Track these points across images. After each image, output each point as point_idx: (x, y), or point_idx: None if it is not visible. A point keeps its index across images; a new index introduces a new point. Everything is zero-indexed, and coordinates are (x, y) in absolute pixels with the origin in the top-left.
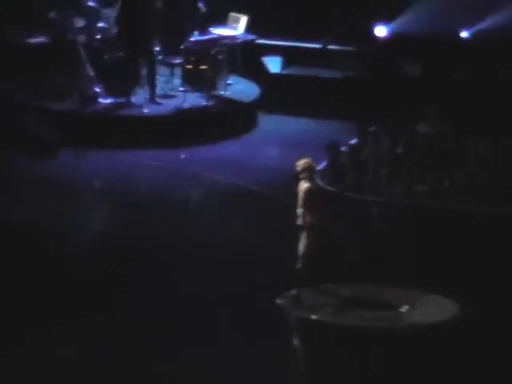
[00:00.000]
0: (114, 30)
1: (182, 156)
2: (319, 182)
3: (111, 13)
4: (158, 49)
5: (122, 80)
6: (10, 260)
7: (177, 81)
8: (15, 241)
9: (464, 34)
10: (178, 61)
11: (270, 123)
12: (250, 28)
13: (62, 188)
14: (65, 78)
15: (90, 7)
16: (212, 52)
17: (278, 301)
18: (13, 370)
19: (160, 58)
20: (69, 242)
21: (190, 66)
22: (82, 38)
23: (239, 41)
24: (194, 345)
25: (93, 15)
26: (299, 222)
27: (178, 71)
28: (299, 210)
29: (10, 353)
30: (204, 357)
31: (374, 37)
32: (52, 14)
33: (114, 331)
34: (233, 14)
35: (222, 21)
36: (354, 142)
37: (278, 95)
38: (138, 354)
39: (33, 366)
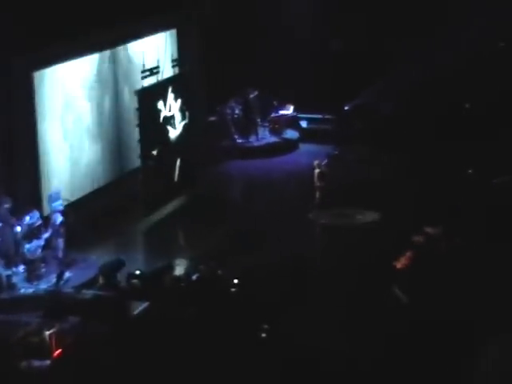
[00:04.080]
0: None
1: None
2: (323, 168)
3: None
4: (259, 120)
5: (245, 132)
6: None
7: (266, 132)
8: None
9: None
10: (266, 124)
11: (303, 148)
12: (294, 110)
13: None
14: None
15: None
16: (280, 120)
17: (310, 215)
18: None
19: (260, 123)
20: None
21: (271, 126)
22: (230, 116)
23: (291, 115)
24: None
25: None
26: (316, 183)
27: (266, 128)
28: (315, 179)
29: None
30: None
31: (343, 109)
32: (218, 108)
33: None
34: (288, 105)
35: (283, 106)
36: (333, 154)
37: (306, 136)
38: None
39: None
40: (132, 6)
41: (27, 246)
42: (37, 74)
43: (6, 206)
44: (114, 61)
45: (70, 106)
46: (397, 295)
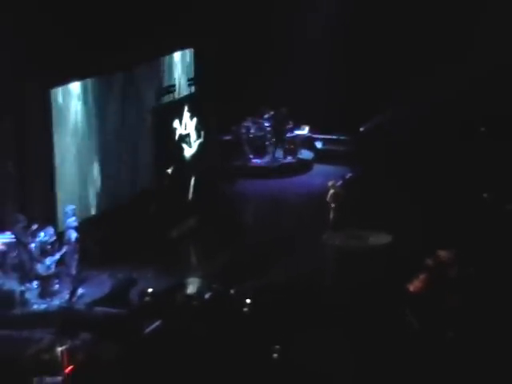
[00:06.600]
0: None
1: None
2: (337, 189)
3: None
4: (274, 139)
5: (260, 153)
6: None
7: (281, 152)
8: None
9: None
10: (281, 145)
11: (317, 168)
12: (309, 131)
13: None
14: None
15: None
16: (295, 140)
17: (323, 236)
18: None
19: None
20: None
21: (286, 146)
22: (245, 135)
23: (306, 135)
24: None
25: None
26: (330, 204)
27: (281, 148)
28: (329, 200)
29: None
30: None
31: (359, 130)
32: (234, 127)
33: None
34: (304, 126)
35: (298, 127)
36: (347, 176)
37: (321, 157)
38: None
39: None
40: (149, 26)
41: (41, 262)
42: (52, 92)
43: (21, 224)
44: (129, 78)
45: (83, 124)
46: (409, 320)
